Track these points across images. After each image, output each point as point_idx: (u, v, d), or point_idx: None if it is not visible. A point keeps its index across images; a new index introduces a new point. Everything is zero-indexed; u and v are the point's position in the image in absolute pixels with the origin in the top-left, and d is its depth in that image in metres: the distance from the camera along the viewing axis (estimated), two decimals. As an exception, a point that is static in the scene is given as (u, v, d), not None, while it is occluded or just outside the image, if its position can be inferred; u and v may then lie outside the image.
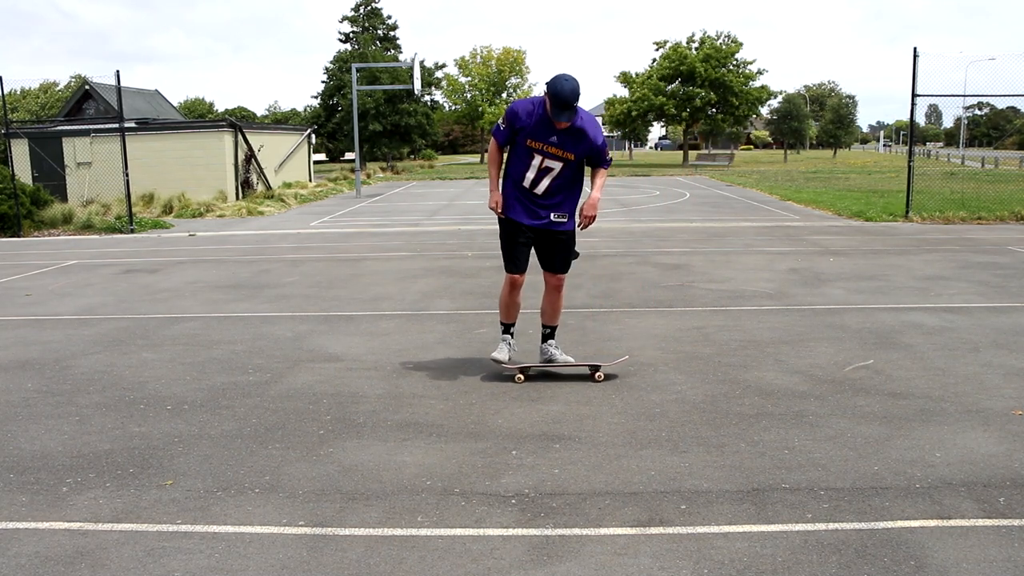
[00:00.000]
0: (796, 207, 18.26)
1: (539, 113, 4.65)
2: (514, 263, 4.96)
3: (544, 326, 5.23)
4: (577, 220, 4.94)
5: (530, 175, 4.79)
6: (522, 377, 5.03)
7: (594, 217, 4.89)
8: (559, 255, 5.00)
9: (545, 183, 4.80)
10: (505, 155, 4.95)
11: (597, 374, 5.01)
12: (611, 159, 4.99)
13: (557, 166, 4.75)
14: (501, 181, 4.95)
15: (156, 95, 35.47)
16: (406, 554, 2.94)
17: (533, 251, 5.04)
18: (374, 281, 8.95)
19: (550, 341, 5.21)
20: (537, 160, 4.74)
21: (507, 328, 5.16)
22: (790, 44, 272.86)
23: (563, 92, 4.45)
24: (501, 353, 5.05)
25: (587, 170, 4.95)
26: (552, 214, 4.87)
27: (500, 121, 4.81)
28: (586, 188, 4.91)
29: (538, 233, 4.92)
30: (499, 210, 4.87)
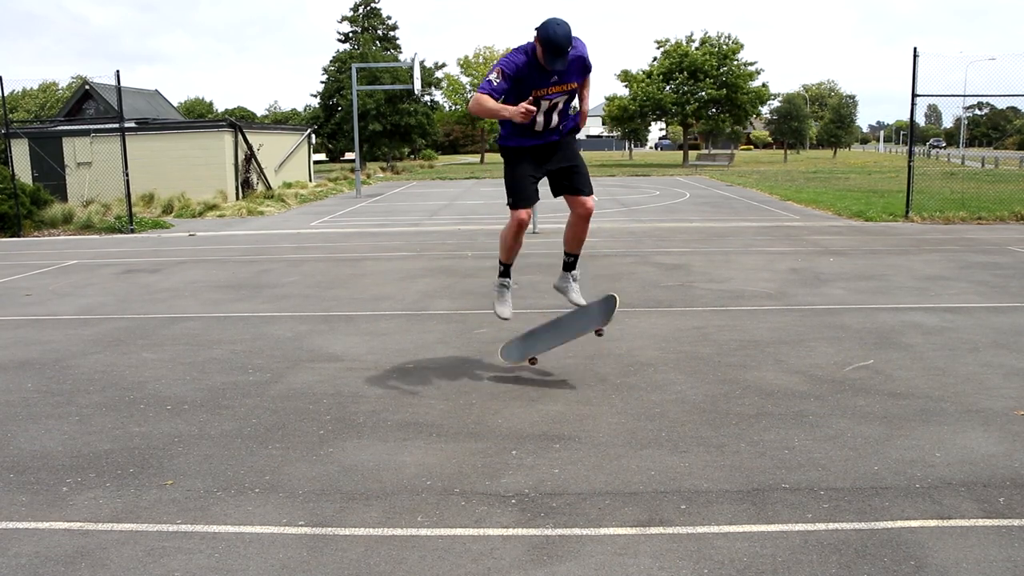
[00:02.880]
0: (796, 207, 18.27)
1: (533, 62, 4.33)
2: (523, 196, 4.62)
3: (567, 253, 5.05)
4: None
5: (540, 120, 4.52)
6: (536, 360, 5.13)
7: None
8: (579, 171, 4.69)
9: (554, 118, 4.59)
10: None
11: (598, 331, 5.04)
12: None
13: (562, 99, 4.53)
14: (500, 129, 4.66)
15: (156, 95, 35.47)
16: (406, 554, 2.94)
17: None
18: (374, 281, 8.95)
19: (573, 272, 5.05)
20: (544, 104, 4.47)
21: (507, 269, 4.97)
22: (788, 44, 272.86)
23: (557, 38, 4.15)
24: (505, 308, 4.97)
25: None
26: (564, 126, 4.68)
27: (494, 77, 4.32)
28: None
29: (546, 150, 4.65)
30: (526, 112, 4.29)
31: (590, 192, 4.75)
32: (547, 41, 4.19)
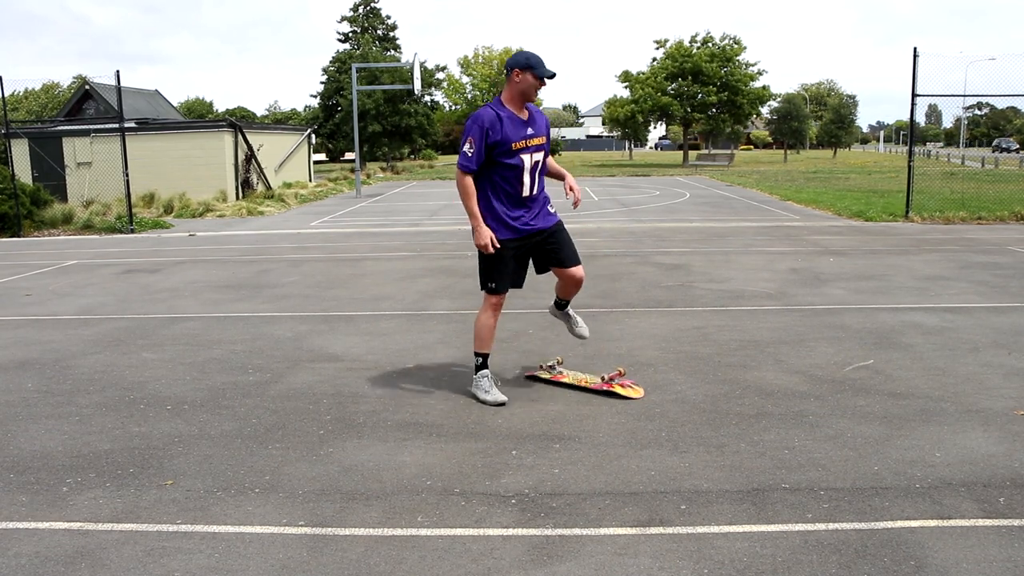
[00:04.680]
0: (796, 207, 18.27)
1: (506, 115, 4.36)
2: (501, 281, 4.51)
3: (561, 299, 4.92)
4: (571, 199, 4.60)
5: (527, 180, 4.42)
6: (559, 360, 5.02)
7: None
8: (568, 246, 4.63)
9: (538, 180, 4.52)
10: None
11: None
12: None
13: (541, 156, 4.48)
14: (483, 209, 4.45)
15: (156, 95, 35.47)
16: (406, 554, 2.94)
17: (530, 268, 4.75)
18: (374, 281, 8.95)
19: (567, 308, 4.97)
20: (527, 161, 4.40)
21: (485, 361, 4.66)
22: (787, 45, 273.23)
23: (534, 54, 4.35)
24: (495, 395, 4.59)
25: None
26: (550, 209, 4.62)
27: (466, 148, 4.31)
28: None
29: (541, 240, 4.58)
30: (492, 247, 4.37)
31: (578, 262, 4.68)
32: (528, 59, 4.34)
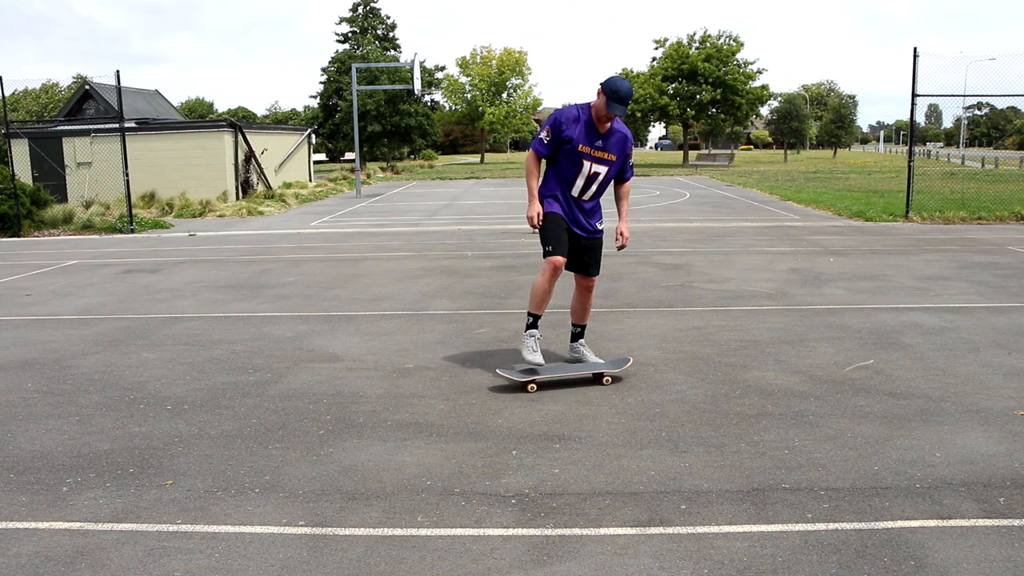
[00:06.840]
0: (796, 207, 18.27)
1: (585, 119, 4.79)
2: (558, 244, 4.90)
3: (575, 325, 5.36)
4: (618, 243, 5.14)
5: (579, 182, 4.92)
6: (535, 387, 4.86)
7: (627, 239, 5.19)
8: (594, 260, 5.14)
9: (592, 189, 4.97)
10: (543, 167, 5.05)
11: (605, 378, 4.96)
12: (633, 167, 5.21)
13: (603, 170, 4.92)
14: (541, 187, 5.01)
15: (156, 95, 35.45)
16: (406, 554, 2.94)
17: None
18: (374, 281, 8.95)
19: (580, 340, 5.35)
20: (586, 167, 4.87)
21: (536, 321, 5.05)
22: (785, 46, 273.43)
23: (622, 87, 4.64)
24: (535, 355, 4.93)
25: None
26: (596, 223, 5.09)
27: (542, 134, 4.86)
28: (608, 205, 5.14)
29: (576, 238, 5.04)
30: (538, 222, 4.91)
31: (596, 273, 5.20)
32: (612, 90, 4.63)
